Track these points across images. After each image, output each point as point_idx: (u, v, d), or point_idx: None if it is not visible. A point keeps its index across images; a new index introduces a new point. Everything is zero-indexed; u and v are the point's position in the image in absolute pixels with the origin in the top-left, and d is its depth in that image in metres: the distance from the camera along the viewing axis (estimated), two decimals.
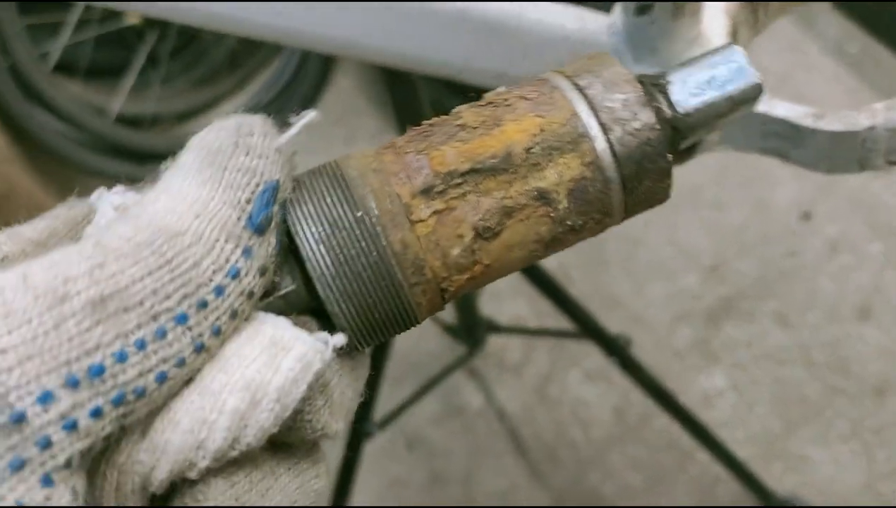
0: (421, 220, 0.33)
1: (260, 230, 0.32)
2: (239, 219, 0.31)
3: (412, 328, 0.35)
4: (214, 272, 0.30)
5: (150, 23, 2.42)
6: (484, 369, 1.97)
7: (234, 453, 0.30)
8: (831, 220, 2.12)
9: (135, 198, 0.34)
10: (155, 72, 2.51)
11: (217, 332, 0.30)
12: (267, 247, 0.32)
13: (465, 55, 0.64)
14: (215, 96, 2.61)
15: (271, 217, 0.32)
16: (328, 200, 0.33)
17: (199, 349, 0.30)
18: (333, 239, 0.33)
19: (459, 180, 0.34)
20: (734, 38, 0.62)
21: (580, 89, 0.35)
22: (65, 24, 2.31)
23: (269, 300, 0.33)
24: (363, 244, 0.33)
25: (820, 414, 1.84)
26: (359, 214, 0.33)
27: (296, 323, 0.32)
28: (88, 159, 2.29)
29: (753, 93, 0.37)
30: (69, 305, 0.27)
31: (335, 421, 0.34)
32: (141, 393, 0.28)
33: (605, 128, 0.35)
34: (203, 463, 0.30)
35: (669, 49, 0.60)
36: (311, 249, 0.33)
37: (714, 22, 0.61)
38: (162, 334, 0.29)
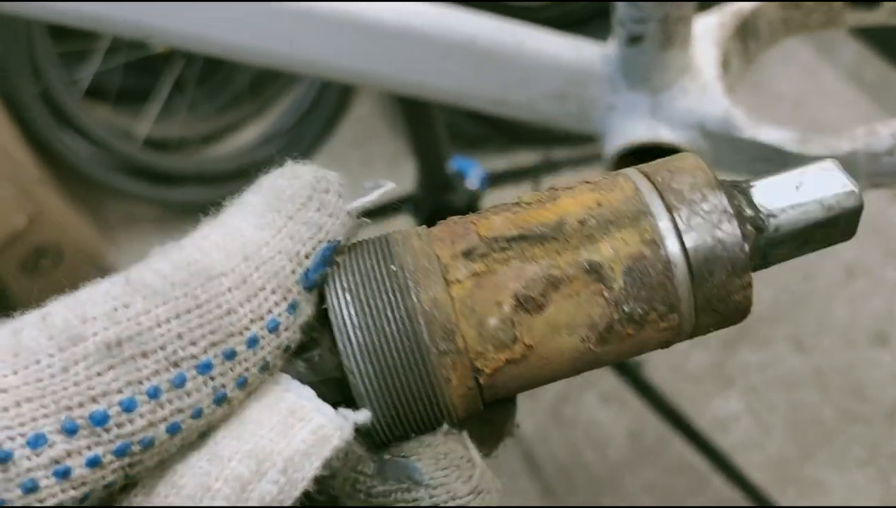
0: (457, 281, 0.30)
1: (311, 287, 0.29)
2: (294, 271, 0.29)
3: (441, 416, 0.31)
4: (252, 321, 0.28)
5: (177, 50, 2.48)
6: None
7: None
8: (847, 245, 2.09)
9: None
10: (181, 97, 2.57)
11: (242, 384, 0.28)
12: (313, 305, 0.30)
13: (468, 82, 0.67)
14: (238, 120, 2.67)
15: (325, 276, 0.30)
16: (366, 257, 0.31)
17: (220, 400, 0.28)
18: (362, 289, 0.30)
19: (504, 245, 0.31)
20: (725, 68, 0.65)
21: (647, 175, 0.32)
22: (95, 50, 2.38)
23: (293, 361, 0.31)
24: (391, 297, 0.30)
25: (835, 439, 1.83)
26: (393, 267, 0.30)
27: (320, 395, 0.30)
28: (117, 181, 2.34)
29: (849, 203, 0.33)
30: (82, 347, 0.26)
31: None
32: (149, 444, 0.26)
33: (669, 207, 0.31)
34: None
35: (661, 77, 0.63)
36: (338, 296, 0.30)
37: (704, 52, 0.64)
38: (180, 382, 0.27)
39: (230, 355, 0.27)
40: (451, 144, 1.42)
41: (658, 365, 1.93)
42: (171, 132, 2.55)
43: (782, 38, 0.68)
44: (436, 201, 1.42)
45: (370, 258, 0.31)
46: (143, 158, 2.39)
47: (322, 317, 0.31)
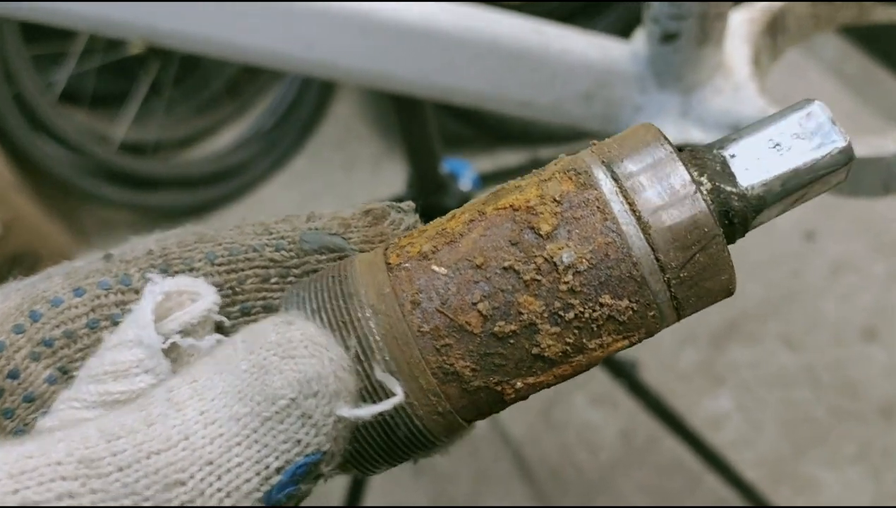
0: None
1: (275, 505, 0.27)
2: (258, 488, 0.26)
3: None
4: None
5: (153, 52, 2.43)
6: None
7: None
8: (835, 241, 2.12)
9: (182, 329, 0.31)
10: (158, 99, 2.52)
11: None
12: None
13: (494, 85, 0.65)
14: (216, 123, 2.63)
15: (295, 495, 0.27)
16: (398, 445, 0.31)
17: None
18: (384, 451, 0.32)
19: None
20: (756, 64, 0.63)
21: (670, 290, 0.30)
22: (69, 54, 2.33)
23: None
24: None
25: (827, 436, 1.84)
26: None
27: None
28: (92, 186, 2.29)
29: (841, 160, 0.29)
30: None
31: None
32: None
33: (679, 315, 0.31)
34: None
35: (694, 76, 0.61)
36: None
37: (736, 49, 0.62)
38: None
39: None
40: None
41: (649, 365, 1.92)
42: (148, 135, 2.50)
43: (810, 33, 0.67)
44: (428, 203, 1.40)
45: (401, 441, 0.31)
46: (119, 163, 2.34)
47: None
